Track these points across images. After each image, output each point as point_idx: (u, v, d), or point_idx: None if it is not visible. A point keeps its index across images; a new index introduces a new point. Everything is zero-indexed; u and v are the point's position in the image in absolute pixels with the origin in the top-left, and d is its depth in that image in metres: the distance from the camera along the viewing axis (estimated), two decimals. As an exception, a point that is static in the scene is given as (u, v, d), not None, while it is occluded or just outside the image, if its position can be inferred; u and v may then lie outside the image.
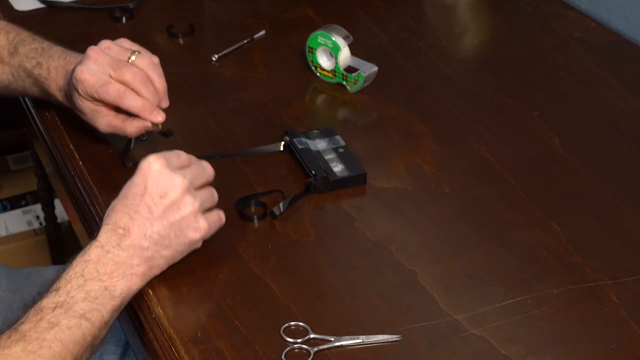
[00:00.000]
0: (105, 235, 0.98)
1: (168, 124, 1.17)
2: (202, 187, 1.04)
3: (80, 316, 0.94)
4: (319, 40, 1.35)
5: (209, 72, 1.41)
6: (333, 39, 1.34)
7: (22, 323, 0.93)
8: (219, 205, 1.06)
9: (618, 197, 1.16)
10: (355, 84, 1.34)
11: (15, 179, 2.27)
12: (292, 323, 0.98)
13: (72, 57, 1.20)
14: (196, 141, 1.25)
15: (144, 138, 1.21)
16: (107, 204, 1.02)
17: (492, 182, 1.19)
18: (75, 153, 1.22)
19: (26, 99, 1.35)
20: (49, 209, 1.91)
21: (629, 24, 1.51)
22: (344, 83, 1.35)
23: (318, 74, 1.38)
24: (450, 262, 1.07)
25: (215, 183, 1.06)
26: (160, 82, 1.15)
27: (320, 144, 1.21)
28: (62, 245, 2.01)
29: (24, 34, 1.25)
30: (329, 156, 1.19)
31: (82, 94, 1.14)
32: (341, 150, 1.20)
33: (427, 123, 1.29)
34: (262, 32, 1.49)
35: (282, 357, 0.94)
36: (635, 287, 1.03)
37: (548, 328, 0.98)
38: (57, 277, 0.97)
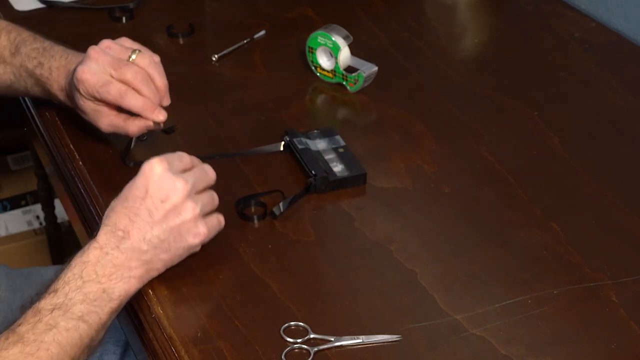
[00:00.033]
0: (104, 236, 0.98)
1: (169, 121, 1.17)
2: (203, 190, 1.03)
3: (78, 318, 0.94)
4: (319, 40, 1.35)
5: (209, 72, 1.41)
6: (333, 39, 1.34)
7: (20, 324, 0.93)
8: (219, 205, 1.05)
9: (618, 197, 1.16)
10: (355, 84, 1.34)
11: (15, 179, 2.27)
12: (292, 323, 0.98)
13: (73, 56, 1.20)
14: (196, 141, 1.25)
15: (144, 138, 1.21)
16: (107, 204, 1.02)
17: (492, 182, 1.19)
18: (75, 153, 1.22)
19: (26, 98, 1.35)
20: (49, 209, 1.91)
21: (629, 24, 1.51)
22: (344, 83, 1.35)
23: (318, 74, 1.38)
24: (450, 262, 1.07)
25: (215, 183, 1.06)
26: (161, 80, 1.15)
27: (320, 144, 1.21)
28: (62, 245, 2.01)
29: (25, 34, 1.25)
30: (329, 156, 1.19)
31: (84, 94, 1.14)
32: (341, 150, 1.20)
33: (427, 123, 1.29)
34: (262, 32, 1.49)
35: (282, 357, 0.94)
36: (635, 287, 1.03)
37: (548, 328, 0.98)
38: (55, 277, 0.97)
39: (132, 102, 1.13)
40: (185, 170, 1.02)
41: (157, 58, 1.16)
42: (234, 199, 1.13)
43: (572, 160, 1.23)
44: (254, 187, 1.17)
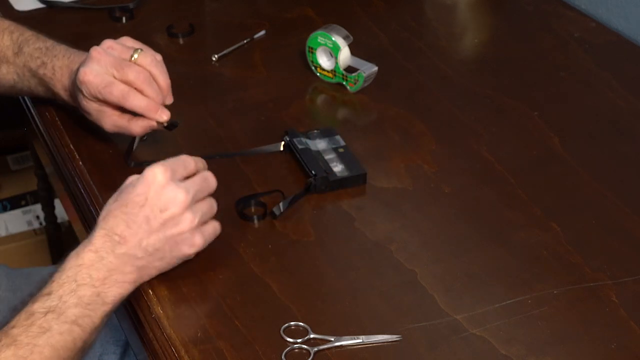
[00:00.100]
0: (100, 239, 0.98)
1: (171, 118, 1.17)
2: (202, 199, 1.03)
3: (72, 322, 0.93)
4: (319, 40, 1.35)
5: (209, 72, 1.41)
6: (333, 39, 1.34)
7: (13, 327, 0.92)
8: (219, 205, 1.05)
9: (618, 197, 1.16)
10: (355, 84, 1.34)
11: (15, 179, 2.27)
12: (292, 323, 0.98)
13: (76, 56, 1.19)
14: (196, 141, 1.25)
15: (144, 139, 1.21)
16: (107, 204, 1.02)
17: (492, 182, 1.19)
18: (75, 153, 1.22)
19: (26, 98, 1.35)
20: (49, 209, 1.91)
21: (629, 24, 1.51)
22: (344, 83, 1.35)
23: (318, 74, 1.38)
24: (450, 262, 1.07)
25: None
26: (163, 79, 1.15)
27: (320, 144, 1.21)
28: (62, 245, 2.01)
29: (28, 33, 1.25)
30: (329, 156, 1.19)
31: (87, 95, 1.14)
32: (341, 150, 1.20)
33: (427, 123, 1.29)
34: (262, 32, 1.49)
35: (282, 357, 0.94)
36: (635, 287, 1.03)
37: (548, 328, 0.98)
38: (48, 279, 0.96)
39: (135, 103, 1.13)
40: (188, 177, 1.02)
41: (159, 56, 1.16)
42: (234, 199, 1.13)
43: (572, 160, 1.23)
44: (254, 187, 1.17)
